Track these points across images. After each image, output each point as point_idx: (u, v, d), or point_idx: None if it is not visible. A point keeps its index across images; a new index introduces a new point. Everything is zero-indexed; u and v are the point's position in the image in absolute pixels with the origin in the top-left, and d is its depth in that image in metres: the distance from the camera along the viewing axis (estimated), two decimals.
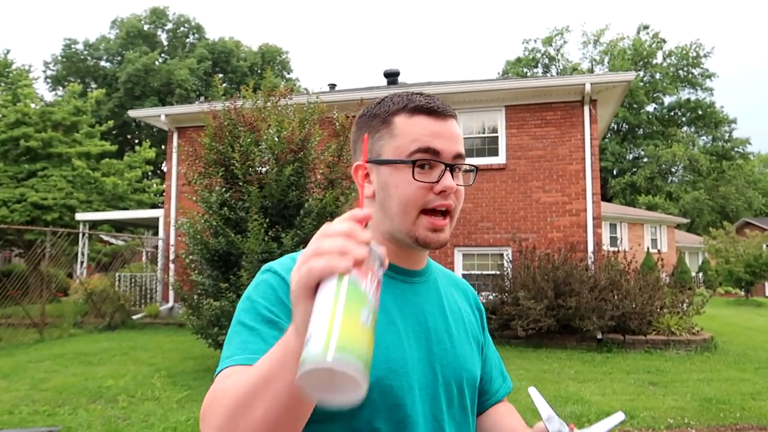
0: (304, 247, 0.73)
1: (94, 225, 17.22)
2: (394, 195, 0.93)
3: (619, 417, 0.98)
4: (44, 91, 43.41)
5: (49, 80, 37.57)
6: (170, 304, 13.17)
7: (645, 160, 42.18)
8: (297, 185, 7.52)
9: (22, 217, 16.87)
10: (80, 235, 14.90)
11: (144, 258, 16.50)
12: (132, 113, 14.33)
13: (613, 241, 22.81)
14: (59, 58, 37.40)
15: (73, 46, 37.51)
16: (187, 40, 41.05)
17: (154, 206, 21.32)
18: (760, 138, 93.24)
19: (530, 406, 1.03)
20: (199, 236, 7.95)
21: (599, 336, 9.36)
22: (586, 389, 6.48)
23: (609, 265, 10.17)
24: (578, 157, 11.11)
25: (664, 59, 44.18)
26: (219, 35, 44.10)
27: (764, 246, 23.26)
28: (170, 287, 12.22)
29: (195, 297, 7.43)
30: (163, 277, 13.32)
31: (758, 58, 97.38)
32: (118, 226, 19.43)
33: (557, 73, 45.49)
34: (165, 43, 40.35)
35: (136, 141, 35.17)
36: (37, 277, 11.68)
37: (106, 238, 19.94)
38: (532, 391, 1.03)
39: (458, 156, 0.95)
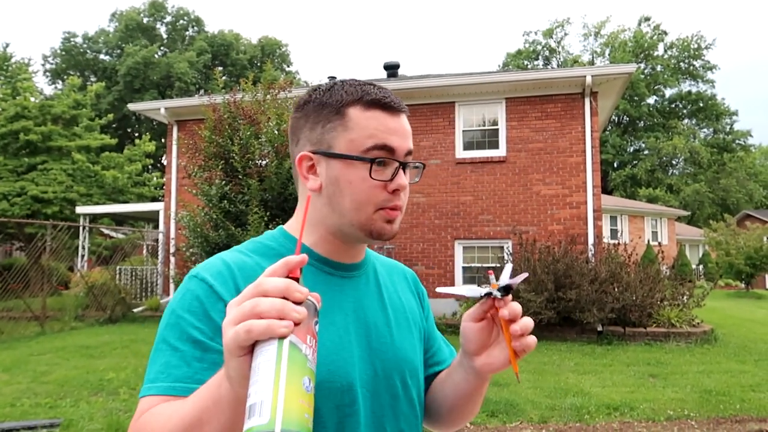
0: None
1: (94, 218, 17.24)
2: (347, 191, 0.90)
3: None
4: (43, 85, 43.45)
5: (48, 74, 37.48)
6: (171, 296, 13.18)
7: (646, 152, 42.12)
8: None
9: (23, 211, 16.88)
10: (81, 228, 14.91)
11: (144, 251, 16.51)
12: (131, 106, 14.30)
13: (614, 233, 22.82)
14: (58, 51, 37.28)
15: (72, 39, 37.39)
16: (187, 33, 40.90)
17: (154, 199, 21.31)
18: (761, 130, 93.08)
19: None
20: (199, 229, 7.97)
21: (599, 328, 9.38)
22: (586, 381, 6.49)
23: (609, 257, 10.16)
24: (579, 150, 11.09)
25: (665, 51, 44.03)
26: (218, 28, 44.07)
27: (765, 238, 23.26)
28: (171, 280, 12.25)
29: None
30: (163, 270, 13.34)
31: (759, 50, 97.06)
32: (119, 220, 19.44)
33: (558, 66, 45.34)
34: (164, 36, 40.21)
35: (136, 134, 35.15)
36: (38, 271, 11.70)
37: (106, 231, 19.98)
38: (507, 267, 0.97)
39: (409, 153, 0.93)
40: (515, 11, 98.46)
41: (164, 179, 14.91)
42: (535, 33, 48.53)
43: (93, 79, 36.23)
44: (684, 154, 39.58)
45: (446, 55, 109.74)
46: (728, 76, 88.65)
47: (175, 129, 13.10)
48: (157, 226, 15.49)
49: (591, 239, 10.78)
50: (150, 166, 31.30)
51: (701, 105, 43.50)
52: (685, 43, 43.16)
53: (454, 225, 11.58)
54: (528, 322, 0.88)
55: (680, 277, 11.53)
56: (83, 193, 17.95)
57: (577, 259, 9.58)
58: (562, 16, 71.45)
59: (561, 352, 8.40)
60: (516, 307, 0.87)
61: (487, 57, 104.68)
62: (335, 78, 16.39)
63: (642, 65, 42.10)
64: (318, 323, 0.63)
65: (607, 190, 38.03)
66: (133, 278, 13.91)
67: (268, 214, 7.44)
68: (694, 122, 45.02)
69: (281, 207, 7.71)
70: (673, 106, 44.88)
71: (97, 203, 17.81)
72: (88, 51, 37.85)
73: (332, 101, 0.91)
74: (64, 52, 37.19)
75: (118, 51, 36.94)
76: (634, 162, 42.47)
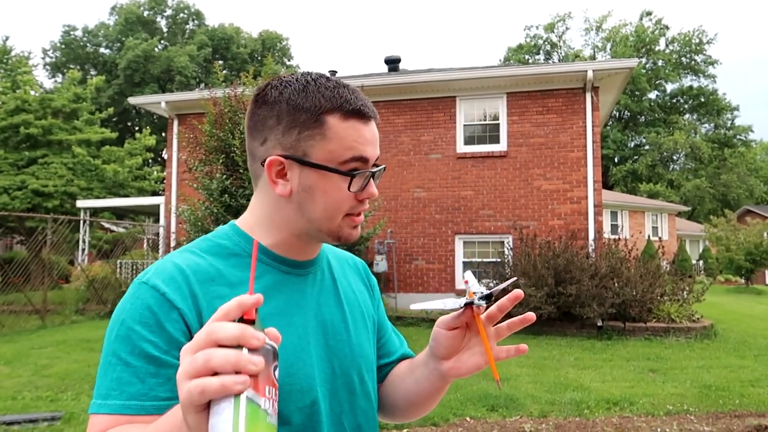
0: None
1: (95, 212, 17.24)
2: (321, 200, 0.88)
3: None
4: (43, 79, 43.34)
5: (48, 67, 37.42)
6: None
7: (646, 147, 42.06)
8: None
9: (23, 204, 16.88)
10: (81, 222, 14.92)
11: (145, 245, 16.51)
12: (132, 100, 14.28)
13: (614, 228, 22.81)
14: (58, 45, 37.21)
15: (72, 32, 37.30)
16: (187, 26, 40.79)
17: (154, 193, 21.33)
18: (762, 126, 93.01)
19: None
20: (200, 223, 7.97)
21: (599, 323, 9.39)
22: (586, 376, 6.51)
23: (610, 252, 10.17)
24: (579, 145, 11.08)
25: (667, 46, 43.90)
26: (219, 22, 43.97)
27: (765, 234, 23.26)
28: None
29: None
30: None
31: (760, 45, 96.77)
32: (119, 214, 19.44)
33: (559, 60, 45.21)
34: (164, 29, 40.10)
35: (137, 128, 35.11)
36: (39, 264, 11.71)
37: (107, 225, 19.98)
38: (468, 275, 0.96)
39: (376, 158, 0.93)
40: (516, 5, 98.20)
41: (165, 173, 14.91)
42: (537, 27, 48.33)
43: (93, 72, 36.16)
44: (685, 149, 39.53)
45: (447, 50, 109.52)
46: (729, 71, 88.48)
47: (175, 123, 13.09)
48: (157, 220, 15.50)
49: (591, 234, 10.78)
50: (150, 160, 31.29)
51: (702, 100, 43.40)
52: (687, 38, 43.02)
53: (455, 220, 11.58)
54: (514, 320, 0.89)
55: (680, 272, 11.55)
56: (84, 186, 17.95)
57: (577, 254, 9.58)
58: (563, 11, 71.22)
59: (561, 346, 8.42)
60: (495, 311, 0.88)
61: (488, 51, 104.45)
62: (336, 72, 16.24)
63: (643, 60, 42.00)
64: (278, 367, 0.60)
65: (607, 185, 37.99)
66: (134, 272, 13.92)
67: None
68: (695, 117, 44.94)
69: None
70: (675, 101, 44.79)
71: (97, 197, 17.81)
72: (88, 44, 37.77)
73: (309, 106, 0.87)
74: (64, 46, 37.11)
75: (118, 44, 36.85)
76: (635, 157, 42.42)
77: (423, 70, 14.23)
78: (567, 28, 49.04)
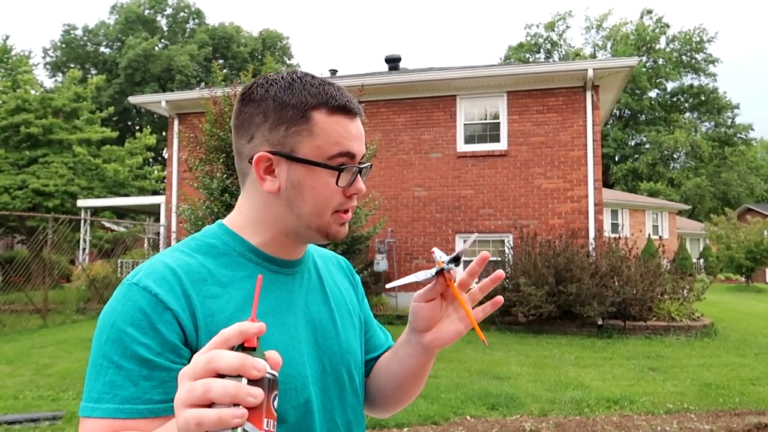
0: None
1: (95, 211, 17.26)
2: (310, 196, 0.89)
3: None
4: (44, 78, 43.34)
5: (48, 66, 37.40)
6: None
7: (647, 146, 42.03)
8: None
9: (24, 204, 16.88)
10: (82, 221, 14.93)
11: (146, 244, 16.52)
12: (132, 99, 14.29)
13: (615, 227, 22.81)
14: (58, 44, 37.19)
15: (72, 32, 37.29)
16: (187, 25, 40.77)
17: (155, 193, 21.33)
18: (763, 124, 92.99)
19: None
20: (200, 222, 7.97)
21: (600, 322, 9.40)
22: (587, 375, 6.51)
23: (610, 251, 10.18)
24: (580, 143, 11.07)
25: (667, 44, 43.85)
26: (219, 20, 43.92)
27: (765, 232, 23.23)
28: None
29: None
30: None
31: (761, 43, 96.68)
32: (120, 213, 19.45)
33: (559, 59, 45.17)
34: (165, 28, 40.08)
35: (137, 127, 35.10)
36: (40, 264, 11.72)
37: (107, 224, 19.99)
38: (435, 249, 0.98)
39: (363, 156, 0.94)
40: (517, 4, 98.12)
41: (165, 172, 14.91)
42: (537, 26, 48.38)
43: (93, 71, 36.14)
44: (685, 147, 39.50)
45: (448, 48, 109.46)
46: (730, 69, 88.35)
47: (176, 122, 13.09)
48: (158, 220, 15.51)
49: (592, 233, 10.78)
50: (151, 160, 31.30)
51: (703, 98, 43.35)
52: (687, 37, 42.96)
53: (455, 219, 11.58)
54: (485, 280, 0.91)
55: (681, 270, 11.54)
56: (84, 186, 17.95)
57: (577, 253, 9.59)
58: (564, 9, 71.10)
59: (561, 345, 8.42)
60: (466, 276, 0.91)
61: (489, 50, 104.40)
62: (336, 71, 16.25)
63: (644, 58, 41.95)
64: (277, 396, 0.59)
65: (608, 183, 37.97)
66: None
67: None
68: (695, 116, 44.89)
69: None
70: (675, 99, 44.74)
71: (98, 196, 17.81)
72: (89, 44, 37.76)
73: (295, 102, 0.88)
74: (64, 45, 37.10)
75: (119, 44, 36.84)
76: (636, 156, 42.39)
77: (423, 68, 14.23)
78: (567, 27, 48.96)
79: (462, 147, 11.71)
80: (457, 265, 0.87)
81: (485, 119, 11.76)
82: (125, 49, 34.56)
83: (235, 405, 0.54)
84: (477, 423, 4.83)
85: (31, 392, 5.63)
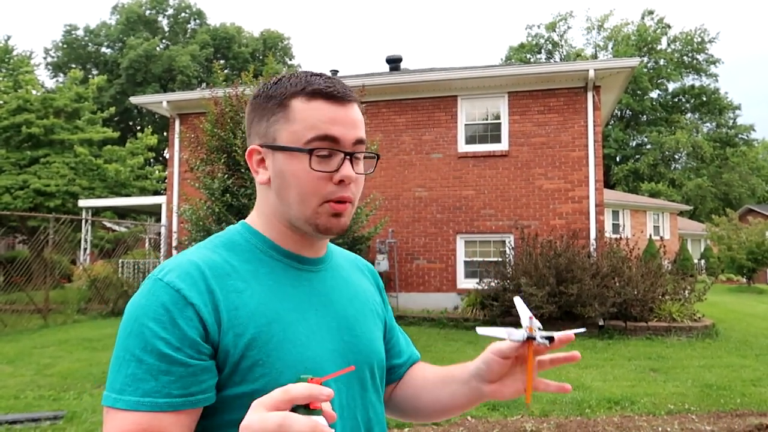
0: None
1: (96, 212, 17.26)
2: (293, 184, 0.89)
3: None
4: (45, 78, 43.31)
5: (49, 67, 37.42)
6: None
7: (648, 146, 42.00)
8: None
9: (25, 204, 16.91)
10: (83, 221, 14.94)
11: (147, 244, 16.54)
12: (134, 100, 14.29)
13: (616, 228, 22.79)
14: (60, 44, 37.22)
15: (73, 32, 37.31)
16: (189, 26, 40.79)
17: (156, 193, 21.34)
18: (764, 125, 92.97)
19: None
20: (201, 223, 7.97)
21: (601, 323, 9.39)
22: (588, 375, 6.51)
23: (611, 252, 10.17)
24: (581, 144, 11.07)
25: (669, 45, 43.82)
26: (220, 21, 43.97)
27: (767, 233, 23.21)
28: None
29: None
30: None
31: (763, 43, 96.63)
32: (121, 213, 19.47)
33: (560, 59, 45.17)
34: (166, 29, 40.10)
35: (138, 128, 35.11)
36: (41, 264, 11.73)
37: (108, 224, 20.00)
38: (517, 300, 1.02)
39: (359, 142, 0.91)
40: (518, 4, 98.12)
41: (166, 173, 14.91)
42: (538, 26, 48.28)
43: (95, 72, 36.17)
44: (686, 148, 39.47)
45: (449, 49, 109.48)
46: (731, 70, 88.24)
47: (177, 122, 13.10)
48: (159, 220, 15.52)
49: (593, 234, 10.77)
50: (152, 160, 31.31)
51: (704, 99, 43.32)
52: (689, 37, 42.94)
53: (456, 219, 11.58)
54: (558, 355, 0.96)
55: (682, 271, 11.54)
56: (85, 186, 17.97)
57: (578, 254, 9.58)
58: (565, 10, 71.12)
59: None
60: (544, 349, 0.93)
61: (490, 50, 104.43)
62: (337, 72, 16.27)
63: (645, 59, 41.93)
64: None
65: (609, 184, 37.94)
66: (136, 271, 13.95)
67: None
68: (696, 116, 44.86)
69: None
70: (676, 100, 44.72)
71: (99, 197, 17.83)
72: (90, 44, 37.78)
73: (277, 93, 0.91)
74: (65, 45, 37.13)
75: (120, 44, 36.86)
76: (637, 156, 42.36)
77: (424, 69, 14.23)
78: (569, 27, 48.79)
79: (463, 147, 11.71)
80: (550, 344, 0.90)
81: (486, 120, 11.76)
82: (126, 50, 34.59)
83: None
84: (478, 423, 4.83)
85: (32, 392, 5.64)
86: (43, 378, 6.25)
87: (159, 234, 14.59)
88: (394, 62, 14.99)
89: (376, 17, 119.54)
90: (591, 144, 10.98)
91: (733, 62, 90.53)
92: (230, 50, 38.63)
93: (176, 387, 0.78)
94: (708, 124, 44.63)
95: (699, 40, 42.84)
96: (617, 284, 9.34)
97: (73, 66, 34.62)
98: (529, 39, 47.81)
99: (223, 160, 8.12)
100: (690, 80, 43.98)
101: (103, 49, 38.11)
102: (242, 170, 7.87)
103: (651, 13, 44.24)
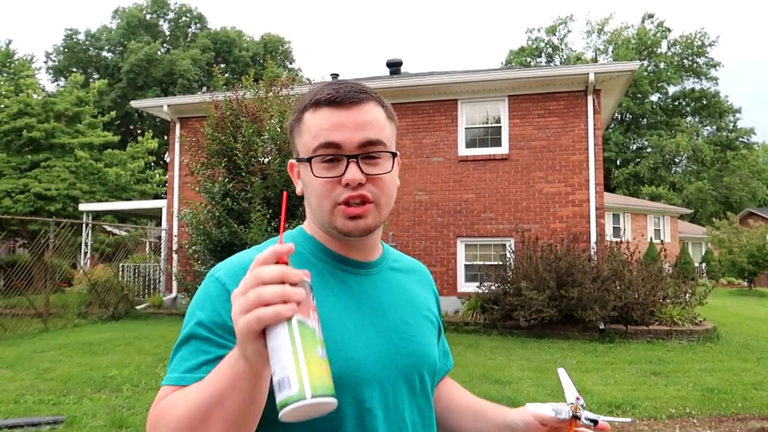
0: None
1: (97, 215, 17.26)
2: (311, 192, 0.95)
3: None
4: (46, 82, 43.42)
5: (50, 71, 37.48)
6: (173, 294, 13.22)
7: (648, 150, 42.00)
8: None
9: (26, 208, 16.91)
10: (83, 225, 14.94)
11: (147, 248, 16.53)
12: (134, 104, 14.31)
13: (616, 231, 22.78)
14: (60, 48, 37.28)
15: (74, 36, 37.37)
16: (189, 29, 40.86)
17: (156, 197, 21.35)
18: (765, 128, 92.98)
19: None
20: (201, 227, 7.97)
21: (601, 326, 9.37)
22: (588, 379, 6.49)
23: (612, 255, 10.15)
24: (581, 148, 11.07)
25: (669, 48, 43.86)
26: (221, 25, 44.02)
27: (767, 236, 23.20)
28: (173, 277, 12.27)
29: (198, 287, 7.46)
30: (166, 267, 13.37)
31: (763, 47, 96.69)
32: (121, 217, 19.48)
33: (561, 63, 45.23)
34: (167, 33, 40.17)
35: (139, 131, 35.15)
36: (41, 268, 11.72)
37: (109, 228, 20.01)
38: (561, 372, 1.09)
39: (367, 143, 0.92)
40: (518, 8, 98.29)
41: (167, 176, 14.92)
42: (538, 30, 48.35)
43: (96, 76, 36.24)
44: (687, 151, 39.47)
45: (449, 53, 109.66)
46: (731, 73, 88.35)
47: (177, 126, 13.11)
48: (159, 224, 15.51)
49: (593, 237, 10.77)
50: (152, 164, 31.35)
51: (704, 102, 43.34)
52: (689, 41, 42.99)
53: (457, 223, 11.58)
54: None
55: (683, 275, 11.52)
56: (86, 190, 17.97)
57: (579, 257, 9.57)
58: (565, 13, 71.23)
59: (563, 350, 8.40)
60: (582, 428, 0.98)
61: (490, 54, 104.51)
62: (338, 75, 16.27)
63: (645, 62, 41.95)
64: (314, 297, 0.70)
65: (609, 187, 37.93)
66: (136, 275, 13.94)
67: (270, 211, 7.44)
68: (697, 120, 44.87)
69: None
70: (677, 103, 44.74)
71: (99, 200, 17.83)
72: (91, 48, 37.85)
73: (296, 110, 0.97)
74: (66, 49, 37.19)
75: (121, 48, 36.93)
76: (637, 160, 42.37)
77: (424, 73, 14.25)
78: (569, 31, 49.02)
79: (463, 151, 11.71)
80: (594, 426, 0.96)
81: (486, 123, 11.77)
82: (127, 54, 34.64)
83: (284, 303, 0.64)
84: None
85: (32, 396, 5.62)
86: (43, 382, 6.24)
87: (159, 238, 14.58)
88: (394, 66, 15.00)
89: (377, 21, 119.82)
90: (591, 147, 10.98)
91: (733, 65, 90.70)
92: (231, 54, 38.69)
93: (212, 366, 0.81)
94: (708, 128, 44.64)
95: (699, 43, 42.90)
96: (618, 288, 9.32)
97: (74, 70, 34.65)
98: (530, 43, 47.88)
99: (223, 164, 8.12)
100: (690, 83, 44.03)
101: (104, 53, 38.17)
102: (242, 174, 7.87)
103: (651, 16, 44.32)
